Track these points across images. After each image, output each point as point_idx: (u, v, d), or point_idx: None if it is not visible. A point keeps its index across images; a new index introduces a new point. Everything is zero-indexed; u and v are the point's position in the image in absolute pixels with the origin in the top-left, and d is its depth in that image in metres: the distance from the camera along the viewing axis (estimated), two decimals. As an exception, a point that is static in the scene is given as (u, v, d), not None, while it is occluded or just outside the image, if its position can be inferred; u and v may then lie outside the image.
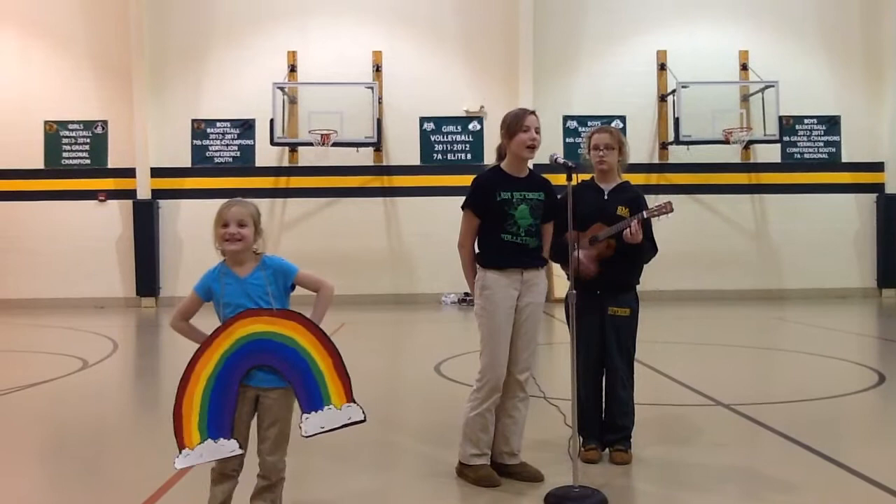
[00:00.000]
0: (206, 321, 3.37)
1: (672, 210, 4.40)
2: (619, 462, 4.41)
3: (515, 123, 4.13)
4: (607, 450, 4.53)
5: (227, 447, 3.19)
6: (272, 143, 15.79)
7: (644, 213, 4.36)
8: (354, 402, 3.24)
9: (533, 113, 4.19)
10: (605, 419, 4.54)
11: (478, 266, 4.19)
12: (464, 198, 4.24)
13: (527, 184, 4.17)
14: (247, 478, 3.39)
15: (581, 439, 4.45)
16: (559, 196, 4.24)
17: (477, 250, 4.23)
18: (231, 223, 3.31)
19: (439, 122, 16.74)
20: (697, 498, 3.94)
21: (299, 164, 16.60)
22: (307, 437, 3.24)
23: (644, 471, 4.35)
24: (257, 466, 3.37)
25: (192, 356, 3.23)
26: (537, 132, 4.13)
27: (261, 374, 3.26)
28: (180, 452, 3.17)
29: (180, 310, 3.39)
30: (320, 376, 3.22)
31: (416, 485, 4.25)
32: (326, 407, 3.21)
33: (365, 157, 16.49)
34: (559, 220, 4.22)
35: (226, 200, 3.41)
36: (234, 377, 3.21)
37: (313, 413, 3.21)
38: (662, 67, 16.83)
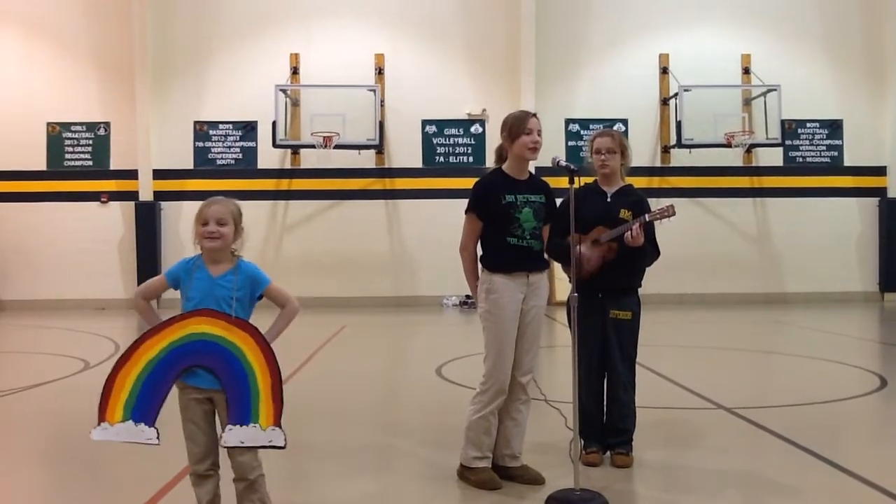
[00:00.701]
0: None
1: (674, 213, 4.40)
2: (621, 465, 4.40)
3: (518, 126, 4.13)
4: (608, 453, 4.52)
5: (145, 434, 3.15)
6: (274, 145, 15.80)
7: (646, 216, 4.36)
8: (280, 427, 3.18)
9: (534, 115, 4.19)
10: (606, 422, 4.54)
11: (482, 269, 4.19)
12: (466, 201, 4.24)
13: (529, 186, 4.18)
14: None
15: (582, 442, 4.45)
16: (563, 199, 4.24)
17: (480, 253, 4.23)
18: (210, 221, 3.30)
19: (441, 124, 16.75)
20: (698, 501, 3.94)
21: (301, 167, 16.61)
22: (225, 447, 3.20)
23: (645, 474, 4.35)
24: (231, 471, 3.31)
25: (140, 337, 3.20)
26: (539, 135, 4.14)
27: (202, 374, 3.22)
28: (99, 424, 3.15)
29: (144, 288, 3.41)
30: (255, 393, 3.17)
31: (416, 487, 4.25)
32: (252, 424, 3.16)
33: (367, 159, 16.50)
34: (559, 222, 4.22)
35: (207, 199, 3.39)
36: (173, 369, 3.19)
37: (238, 426, 3.17)
38: (665, 71, 16.84)
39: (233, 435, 3.16)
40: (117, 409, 3.15)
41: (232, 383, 3.18)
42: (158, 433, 3.17)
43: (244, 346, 3.19)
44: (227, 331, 3.19)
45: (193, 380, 3.23)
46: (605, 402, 4.56)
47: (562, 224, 4.17)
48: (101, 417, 3.15)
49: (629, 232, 4.28)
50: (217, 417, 3.31)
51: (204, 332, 3.18)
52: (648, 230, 4.43)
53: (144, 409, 3.16)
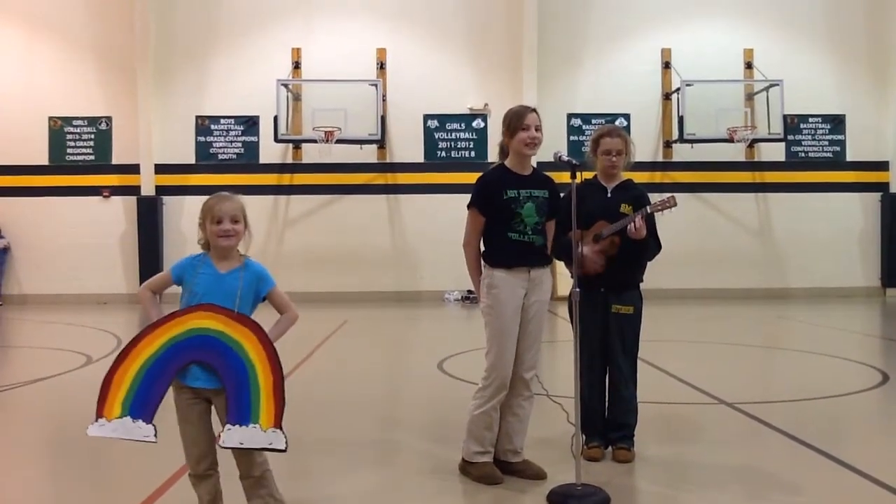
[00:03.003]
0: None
1: (675, 204, 4.39)
2: (622, 460, 4.41)
3: (516, 121, 4.12)
4: (610, 448, 4.53)
5: (142, 431, 3.09)
6: (276, 139, 15.80)
7: (647, 208, 4.36)
8: (281, 429, 3.10)
9: (534, 110, 4.18)
10: (608, 417, 4.54)
11: (484, 265, 4.18)
12: (469, 196, 4.23)
13: (532, 182, 4.16)
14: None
15: (584, 437, 4.45)
16: (562, 194, 4.24)
17: (483, 249, 4.22)
18: (225, 219, 3.26)
19: (443, 119, 16.73)
20: (700, 496, 3.94)
21: (303, 161, 16.61)
22: (223, 447, 3.13)
23: (647, 469, 4.35)
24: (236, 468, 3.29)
25: (140, 332, 3.16)
26: (538, 130, 4.12)
27: (199, 373, 3.16)
28: (97, 420, 3.10)
29: (151, 281, 3.37)
30: (256, 392, 3.10)
31: (418, 482, 4.25)
32: (252, 424, 3.08)
33: (368, 154, 16.49)
34: (561, 217, 4.21)
35: (212, 195, 3.36)
36: (173, 365, 3.13)
37: (237, 426, 3.09)
38: (667, 66, 16.80)
39: (231, 435, 3.08)
40: (115, 405, 3.10)
41: (231, 380, 3.11)
42: (156, 430, 3.11)
43: (245, 342, 3.14)
44: (228, 326, 3.14)
45: (190, 380, 3.18)
46: (606, 397, 4.56)
47: (564, 219, 4.16)
48: (99, 413, 3.10)
49: (632, 224, 4.27)
50: (214, 417, 3.27)
51: (204, 328, 3.13)
52: (650, 224, 4.42)
53: (143, 405, 3.10)
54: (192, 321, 3.15)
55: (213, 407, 3.26)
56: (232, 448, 3.13)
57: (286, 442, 3.10)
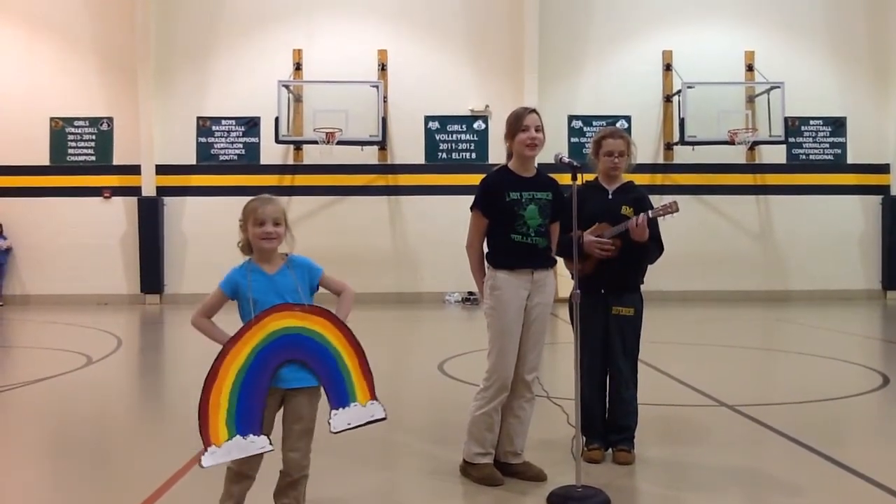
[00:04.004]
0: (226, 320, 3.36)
1: (677, 209, 4.40)
2: (623, 462, 4.40)
3: (515, 123, 4.13)
4: (610, 450, 4.52)
5: (258, 444, 3.11)
6: (277, 140, 15.81)
7: (650, 212, 4.36)
8: (377, 399, 3.29)
9: (534, 111, 4.17)
10: (608, 419, 4.54)
11: (487, 266, 4.19)
12: (471, 197, 4.23)
13: (535, 184, 4.16)
14: (264, 475, 3.38)
15: (584, 439, 4.45)
16: (565, 195, 4.24)
17: (486, 251, 4.23)
18: (268, 222, 3.30)
19: (444, 121, 16.74)
20: (700, 498, 3.94)
21: (304, 163, 16.62)
22: (335, 432, 3.24)
23: (647, 471, 4.34)
24: (280, 463, 3.34)
25: (221, 350, 3.16)
26: (538, 130, 4.11)
27: (287, 374, 3.22)
28: (206, 450, 3.06)
29: (204, 307, 3.31)
30: (347, 374, 3.25)
31: (419, 483, 4.25)
32: (353, 404, 3.25)
33: (369, 155, 16.50)
34: (564, 219, 4.21)
35: (254, 197, 3.39)
36: (266, 371, 3.16)
37: (341, 409, 3.24)
38: (668, 68, 16.81)
39: (338, 419, 3.22)
40: (220, 429, 3.08)
41: (323, 370, 3.24)
42: (270, 439, 3.17)
43: (325, 332, 3.25)
44: (305, 320, 3.22)
45: (283, 383, 3.24)
46: (607, 399, 4.56)
47: (566, 221, 4.16)
48: (206, 443, 3.07)
49: (634, 221, 4.27)
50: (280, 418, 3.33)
51: (285, 327, 3.19)
52: (653, 227, 4.42)
53: (248, 419, 3.12)
54: (270, 324, 3.18)
55: (280, 406, 3.31)
56: (342, 431, 3.25)
57: (384, 410, 3.30)
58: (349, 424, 3.24)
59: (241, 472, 3.26)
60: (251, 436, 3.10)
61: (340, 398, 3.24)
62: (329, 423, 3.24)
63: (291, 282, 3.30)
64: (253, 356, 3.15)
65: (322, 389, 3.30)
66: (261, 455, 3.23)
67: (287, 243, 3.39)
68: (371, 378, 3.30)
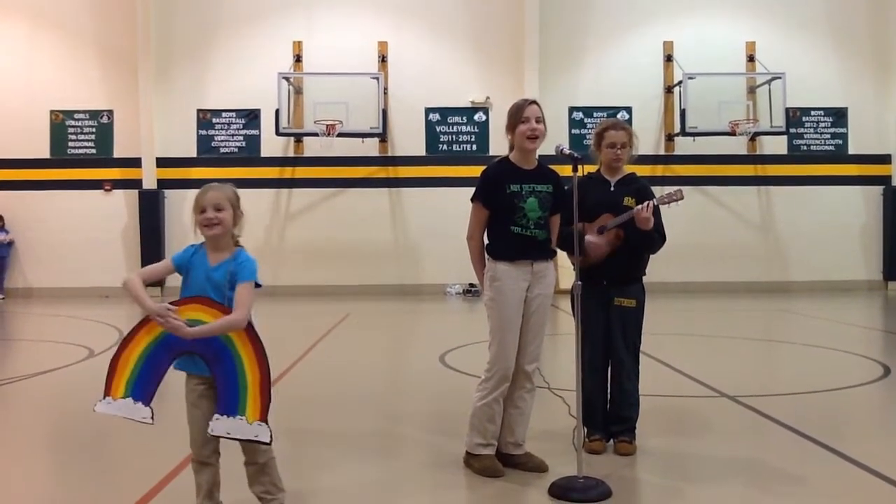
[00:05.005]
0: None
1: (682, 197, 4.39)
2: (624, 453, 4.41)
3: (516, 115, 4.12)
4: (612, 441, 4.53)
5: (141, 412, 3.23)
6: (277, 133, 15.79)
7: (655, 200, 4.35)
8: (266, 423, 3.18)
9: (534, 103, 4.16)
10: (609, 410, 4.54)
11: (488, 258, 4.18)
12: (471, 189, 4.23)
13: (535, 176, 4.16)
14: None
15: (585, 430, 4.46)
16: (566, 188, 4.23)
17: (486, 242, 4.23)
18: (208, 208, 3.26)
19: (445, 112, 16.71)
20: (701, 489, 3.95)
21: (305, 155, 16.61)
22: (212, 435, 3.22)
23: (648, 462, 4.35)
24: (242, 455, 3.34)
25: (143, 318, 3.27)
26: (538, 122, 4.10)
27: (195, 361, 3.24)
28: (104, 398, 3.27)
29: (145, 270, 3.33)
30: (243, 386, 3.19)
31: (421, 474, 4.26)
32: (239, 416, 3.17)
33: (370, 147, 16.48)
34: (566, 211, 4.20)
35: (202, 186, 3.36)
36: (168, 353, 3.24)
37: (225, 417, 3.18)
38: (669, 59, 16.78)
39: (219, 425, 3.18)
40: (120, 386, 3.26)
41: (221, 373, 3.21)
42: (153, 414, 3.25)
43: (235, 338, 3.21)
44: (218, 319, 3.20)
45: (193, 367, 3.27)
46: (608, 390, 4.56)
47: (567, 213, 4.16)
48: (106, 391, 3.27)
49: (641, 209, 4.25)
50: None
51: (198, 319, 3.19)
52: (655, 217, 4.41)
53: (142, 388, 3.25)
54: (187, 312, 3.20)
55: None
56: (219, 437, 3.23)
57: (271, 436, 3.18)
58: (228, 434, 3.18)
59: (200, 461, 3.29)
60: (140, 403, 3.24)
61: (229, 406, 3.18)
62: (209, 425, 3.19)
63: (224, 280, 3.24)
64: (162, 336, 3.23)
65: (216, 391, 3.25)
66: (215, 441, 3.27)
67: (237, 229, 3.33)
68: (268, 400, 3.19)
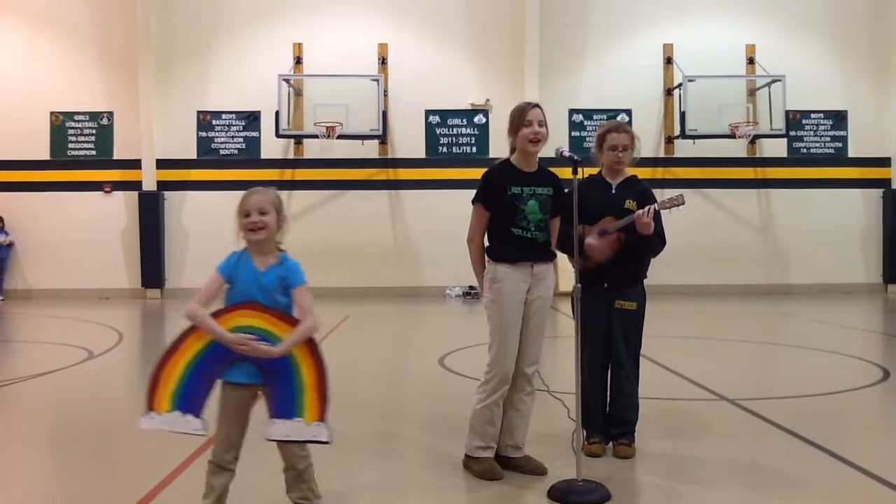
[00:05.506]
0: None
1: (684, 202, 4.39)
2: (623, 456, 4.41)
3: (518, 118, 4.13)
4: (611, 444, 4.53)
5: (192, 424, 3.16)
6: (277, 135, 15.80)
7: (656, 204, 4.35)
8: (324, 422, 3.18)
9: (536, 106, 4.17)
10: (609, 413, 4.54)
11: (488, 259, 4.19)
12: (471, 191, 4.24)
13: (536, 178, 4.17)
14: (275, 472, 3.38)
15: (585, 433, 4.46)
16: (567, 190, 4.23)
17: (487, 244, 4.23)
18: (252, 212, 3.24)
19: (445, 115, 16.72)
20: (701, 491, 3.95)
21: (304, 157, 16.61)
22: (269, 440, 3.20)
23: (648, 464, 4.35)
24: (276, 461, 3.35)
25: (187, 328, 3.20)
26: (541, 125, 4.11)
27: (242, 369, 3.19)
28: (147, 413, 3.16)
29: (202, 295, 3.22)
30: (300, 388, 3.18)
31: (420, 477, 4.26)
32: (297, 418, 3.16)
33: (370, 149, 16.49)
34: (567, 214, 4.21)
35: (248, 189, 3.34)
36: (220, 362, 3.17)
37: (282, 420, 3.17)
38: (669, 61, 16.79)
39: (276, 429, 3.17)
40: (165, 399, 3.16)
41: (275, 377, 3.18)
42: (205, 424, 3.18)
43: None
44: (273, 325, 3.18)
45: (242, 376, 3.21)
46: (608, 393, 4.56)
47: (568, 215, 4.16)
48: (149, 406, 3.17)
49: (642, 214, 4.26)
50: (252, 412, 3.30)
51: (249, 326, 3.16)
52: (657, 220, 4.42)
53: (191, 399, 3.17)
54: (236, 319, 3.17)
55: (256, 401, 3.29)
56: (277, 441, 3.21)
57: (329, 434, 3.18)
58: (287, 436, 3.18)
59: (221, 465, 3.25)
60: (189, 415, 3.16)
61: (286, 408, 3.17)
62: (265, 428, 3.18)
63: (276, 284, 3.24)
64: (212, 344, 3.17)
65: (269, 396, 3.22)
66: (237, 449, 3.26)
67: (280, 235, 3.32)
68: (325, 402, 3.19)
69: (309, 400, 3.18)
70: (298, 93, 16.36)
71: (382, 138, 16.23)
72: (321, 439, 3.17)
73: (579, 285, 3.94)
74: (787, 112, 16.05)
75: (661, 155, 16.78)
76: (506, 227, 4.10)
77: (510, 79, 16.37)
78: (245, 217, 3.25)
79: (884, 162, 17.03)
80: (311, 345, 3.22)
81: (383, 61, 16.53)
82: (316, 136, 15.62)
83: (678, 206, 4.38)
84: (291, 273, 3.27)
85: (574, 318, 3.95)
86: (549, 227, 4.19)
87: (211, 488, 3.27)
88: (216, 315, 3.17)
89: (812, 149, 17.05)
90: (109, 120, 16.64)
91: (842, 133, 17.03)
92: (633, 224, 4.32)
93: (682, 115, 16.01)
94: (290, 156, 16.67)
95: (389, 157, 16.70)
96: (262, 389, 3.23)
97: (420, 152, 16.72)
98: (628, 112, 16.54)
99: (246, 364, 3.18)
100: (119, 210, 16.56)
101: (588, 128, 16.47)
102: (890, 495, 3.82)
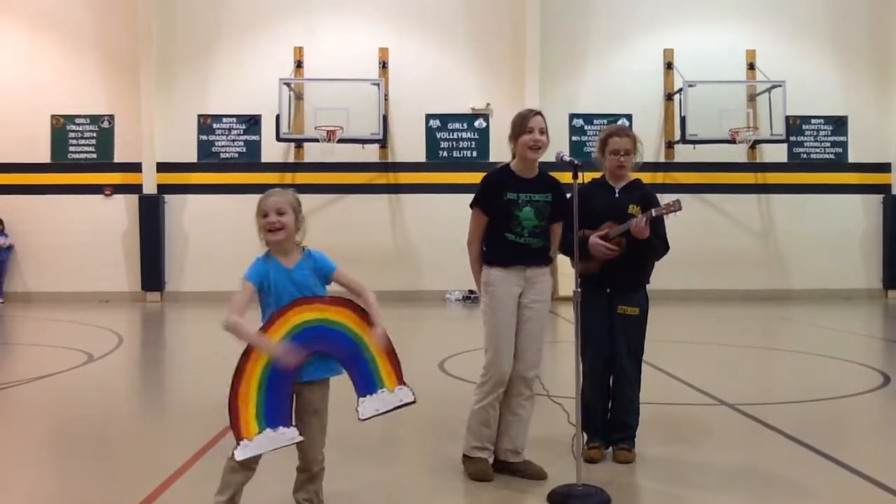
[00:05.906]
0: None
1: (680, 208, 4.39)
2: (623, 461, 4.41)
3: (520, 125, 4.15)
4: (611, 448, 4.52)
5: (288, 435, 3.19)
6: (278, 138, 15.80)
7: (653, 211, 4.35)
8: (405, 384, 3.30)
9: (538, 114, 4.18)
10: (610, 417, 4.54)
11: (483, 264, 4.21)
12: (471, 195, 4.26)
13: (534, 185, 4.18)
14: (280, 472, 3.38)
15: (585, 437, 4.45)
16: (568, 195, 4.23)
17: (483, 248, 4.24)
18: (270, 213, 3.29)
19: (445, 119, 16.73)
20: (701, 497, 3.94)
21: (305, 161, 16.61)
22: (363, 419, 3.28)
23: (647, 469, 4.35)
24: (287, 459, 3.38)
25: (246, 348, 3.20)
26: (542, 132, 4.12)
27: (314, 366, 3.26)
28: (238, 444, 3.15)
29: (236, 306, 3.20)
30: (372, 360, 3.28)
31: (419, 479, 4.26)
32: (380, 390, 3.26)
33: (370, 153, 16.49)
34: (569, 218, 4.21)
35: (267, 191, 3.38)
36: (285, 371, 3.19)
37: (368, 396, 3.26)
38: (669, 66, 16.80)
39: (366, 406, 3.24)
40: (251, 424, 3.16)
41: (348, 359, 3.26)
42: (300, 429, 3.22)
43: (345, 320, 3.28)
44: (324, 311, 3.25)
45: (306, 375, 3.25)
46: (609, 397, 4.55)
47: (570, 220, 4.16)
48: (238, 436, 3.16)
49: (637, 222, 4.25)
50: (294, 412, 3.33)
51: (306, 320, 3.21)
52: (659, 226, 4.42)
53: (276, 412, 3.19)
54: (292, 318, 3.21)
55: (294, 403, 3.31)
56: (370, 417, 3.27)
57: (413, 394, 3.31)
58: (377, 411, 3.27)
59: (245, 464, 3.22)
60: (281, 427, 3.18)
61: (368, 385, 3.26)
62: (357, 412, 3.27)
63: (310, 276, 3.32)
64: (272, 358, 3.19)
65: (350, 378, 3.31)
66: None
67: (299, 235, 3.38)
68: (398, 363, 3.32)
69: (384, 368, 3.29)
70: (299, 97, 16.37)
71: (383, 142, 16.24)
72: (408, 401, 3.29)
73: (579, 290, 3.94)
74: (787, 117, 16.06)
75: (662, 160, 16.78)
76: (500, 231, 4.13)
77: (511, 83, 16.38)
78: (264, 217, 3.30)
79: (884, 167, 17.03)
80: (365, 317, 3.31)
81: (384, 65, 16.55)
82: (316, 140, 15.63)
83: (674, 211, 4.39)
84: (323, 261, 3.38)
85: (574, 323, 3.95)
86: (546, 233, 4.19)
87: (227, 485, 3.25)
88: (269, 324, 3.19)
89: (812, 154, 17.05)
90: (110, 123, 16.65)
91: (842, 138, 17.04)
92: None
93: (683, 119, 16.02)
94: (291, 159, 16.67)
95: (390, 161, 16.71)
96: (310, 387, 3.28)
97: (420, 156, 16.73)
98: (629, 117, 16.55)
99: (314, 359, 3.24)
100: (119, 213, 16.56)
101: (589, 132, 16.48)
102: (891, 501, 3.81)
